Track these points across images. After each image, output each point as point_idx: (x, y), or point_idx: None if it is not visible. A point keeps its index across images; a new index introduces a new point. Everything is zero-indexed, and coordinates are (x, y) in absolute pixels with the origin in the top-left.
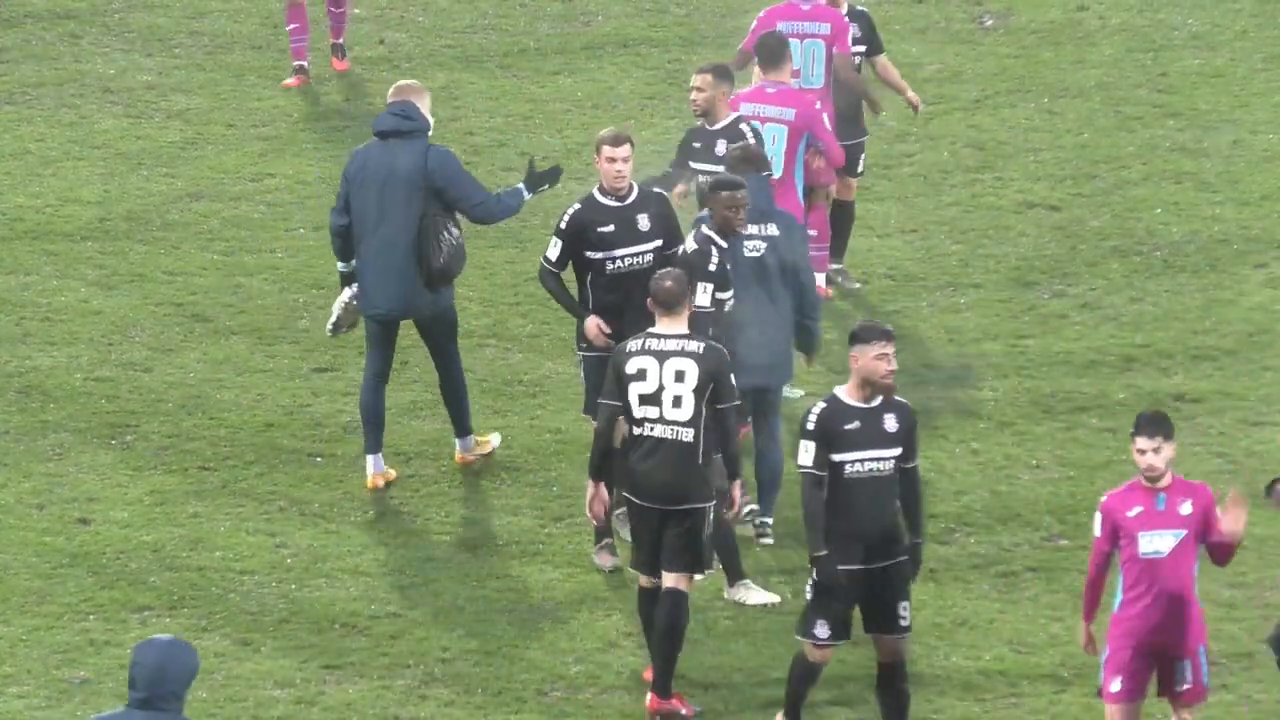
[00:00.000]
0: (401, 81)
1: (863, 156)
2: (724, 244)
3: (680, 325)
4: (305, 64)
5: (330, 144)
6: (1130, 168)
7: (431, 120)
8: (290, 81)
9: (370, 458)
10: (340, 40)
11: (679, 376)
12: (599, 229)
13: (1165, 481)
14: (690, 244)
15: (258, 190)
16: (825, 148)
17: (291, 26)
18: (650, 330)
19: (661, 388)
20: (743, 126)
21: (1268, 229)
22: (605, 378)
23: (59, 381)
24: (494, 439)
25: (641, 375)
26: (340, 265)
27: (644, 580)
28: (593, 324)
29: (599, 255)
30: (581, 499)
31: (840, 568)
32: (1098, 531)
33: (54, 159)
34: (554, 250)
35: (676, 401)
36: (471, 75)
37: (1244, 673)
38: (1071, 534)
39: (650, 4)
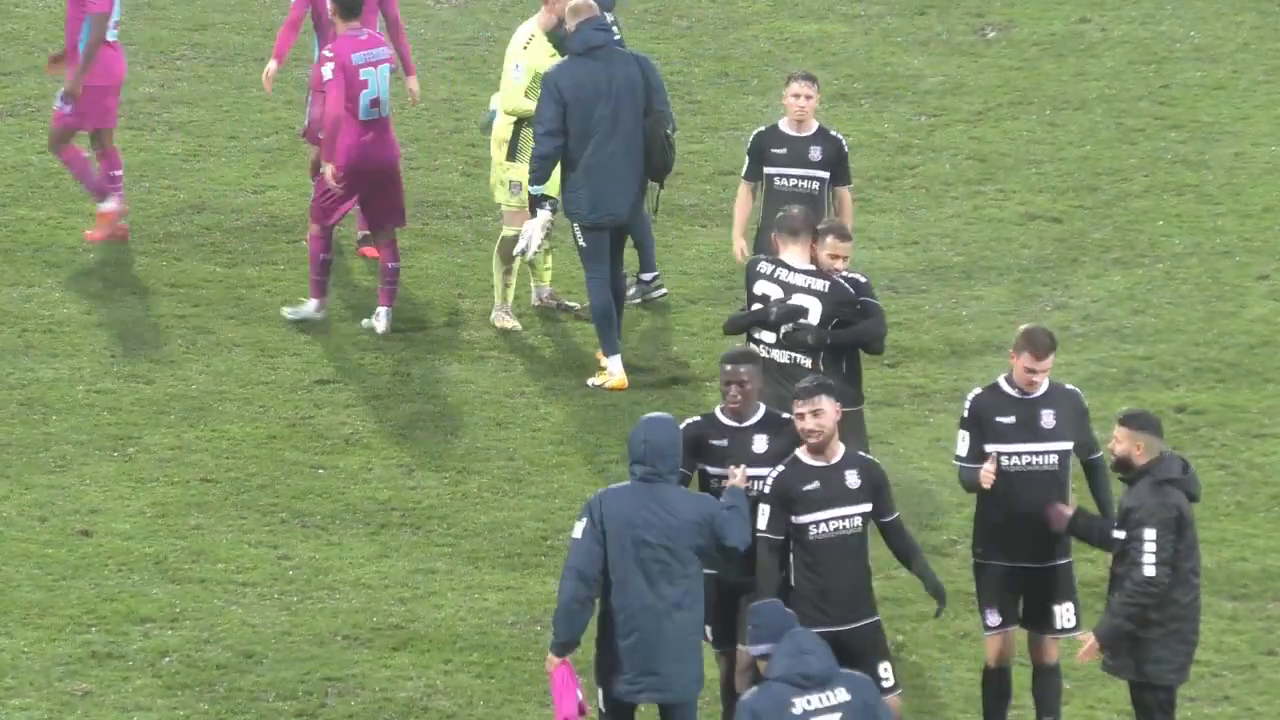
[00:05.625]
0: (573, 1)
1: None
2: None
3: (806, 258)
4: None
5: None
6: (1132, 180)
7: None
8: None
9: (610, 359)
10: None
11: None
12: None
13: None
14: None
15: (260, 202)
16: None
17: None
18: (782, 259)
19: None
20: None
21: (1269, 241)
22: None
23: (61, 393)
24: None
25: (765, 300)
26: (536, 189)
27: None
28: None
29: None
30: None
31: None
32: None
33: (56, 171)
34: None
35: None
36: (473, 88)
37: (1246, 684)
38: (1073, 545)
39: (652, 16)
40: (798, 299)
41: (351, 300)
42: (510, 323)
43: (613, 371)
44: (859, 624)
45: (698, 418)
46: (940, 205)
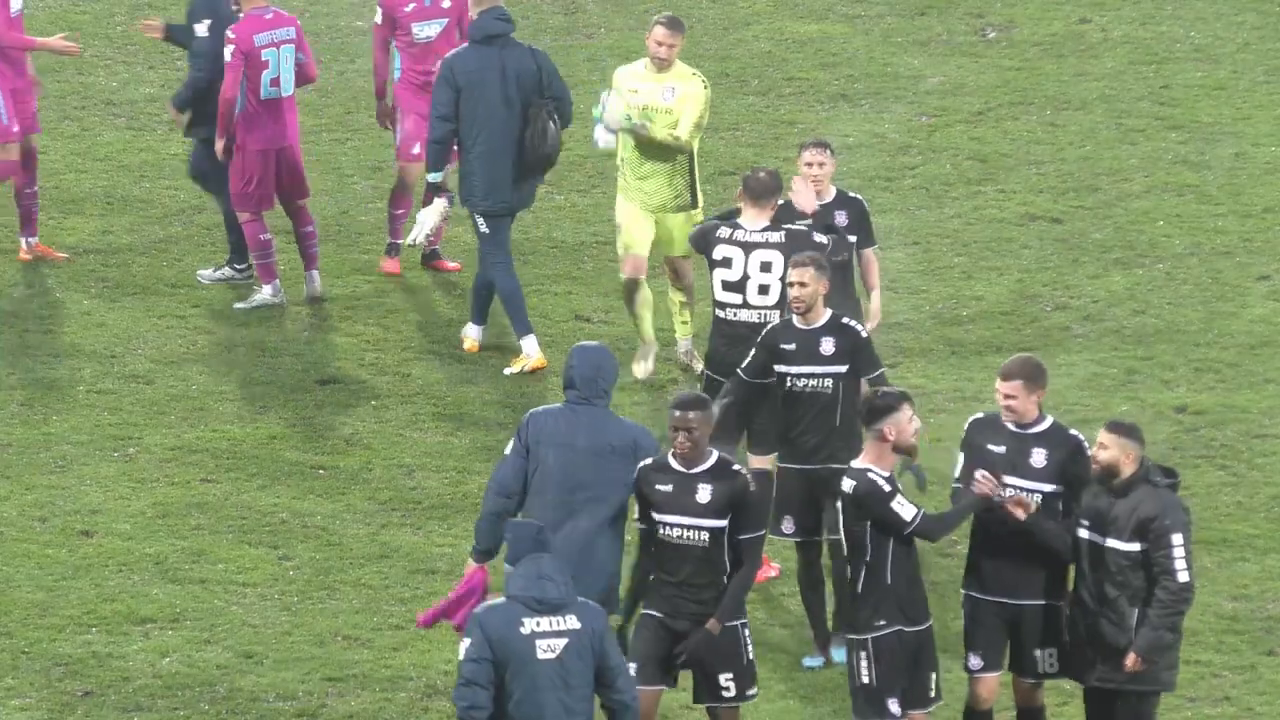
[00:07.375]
0: None
1: None
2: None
3: (765, 219)
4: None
5: (332, 156)
6: (1132, 180)
7: None
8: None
9: (525, 339)
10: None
11: (765, 267)
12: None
13: None
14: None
15: None
16: (306, 61)
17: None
18: (738, 221)
19: (746, 276)
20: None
21: (1270, 241)
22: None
23: (62, 394)
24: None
25: (726, 263)
26: (434, 176)
27: None
28: None
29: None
30: None
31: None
32: None
33: (56, 171)
34: None
35: (763, 289)
36: None
37: (1246, 684)
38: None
39: (652, 17)
40: (758, 255)
41: (352, 301)
42: (647, 368)
43: (529, 352)
44: (923, 626)
45: (649, 461)
46: (941, 206)
